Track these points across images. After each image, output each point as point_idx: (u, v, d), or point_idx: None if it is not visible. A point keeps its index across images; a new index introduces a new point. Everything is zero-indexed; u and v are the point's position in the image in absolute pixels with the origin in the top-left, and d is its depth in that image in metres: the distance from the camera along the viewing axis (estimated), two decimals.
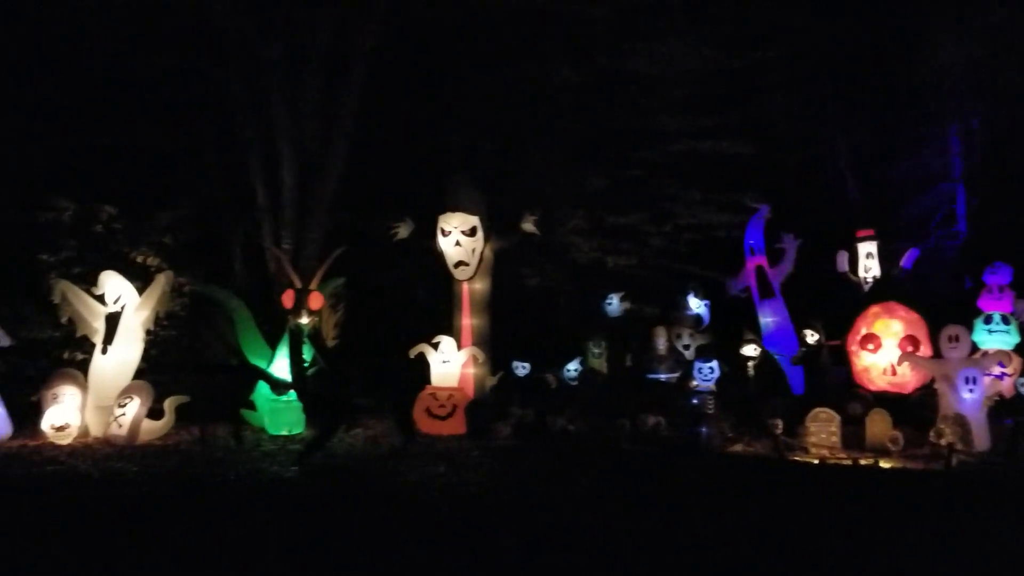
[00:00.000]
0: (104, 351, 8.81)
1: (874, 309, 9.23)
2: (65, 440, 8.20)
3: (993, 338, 8.82)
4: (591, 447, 7.96)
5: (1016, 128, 13.51)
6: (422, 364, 9.21)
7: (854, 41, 14.02)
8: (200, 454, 7.76)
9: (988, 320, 8.90)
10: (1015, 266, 9.22)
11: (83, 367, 9.09)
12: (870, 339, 9.03)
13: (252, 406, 8.95)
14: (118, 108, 11.20)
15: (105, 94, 11.14)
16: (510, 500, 6.10)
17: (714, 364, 8.62)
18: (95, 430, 8.59)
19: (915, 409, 8.37)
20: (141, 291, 9.05)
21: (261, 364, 8.95)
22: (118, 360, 8.80)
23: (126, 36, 10.39)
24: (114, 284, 8.94)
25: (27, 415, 8.85)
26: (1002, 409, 7.80)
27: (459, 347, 9.27)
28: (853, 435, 7.98)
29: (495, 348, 9.70)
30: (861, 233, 10.33)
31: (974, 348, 8.38)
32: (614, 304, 10.21)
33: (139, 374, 8.98)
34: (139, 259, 10.36)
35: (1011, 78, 12.87)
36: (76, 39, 10.36)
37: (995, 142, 14.52)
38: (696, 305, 10.46)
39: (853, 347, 9.23)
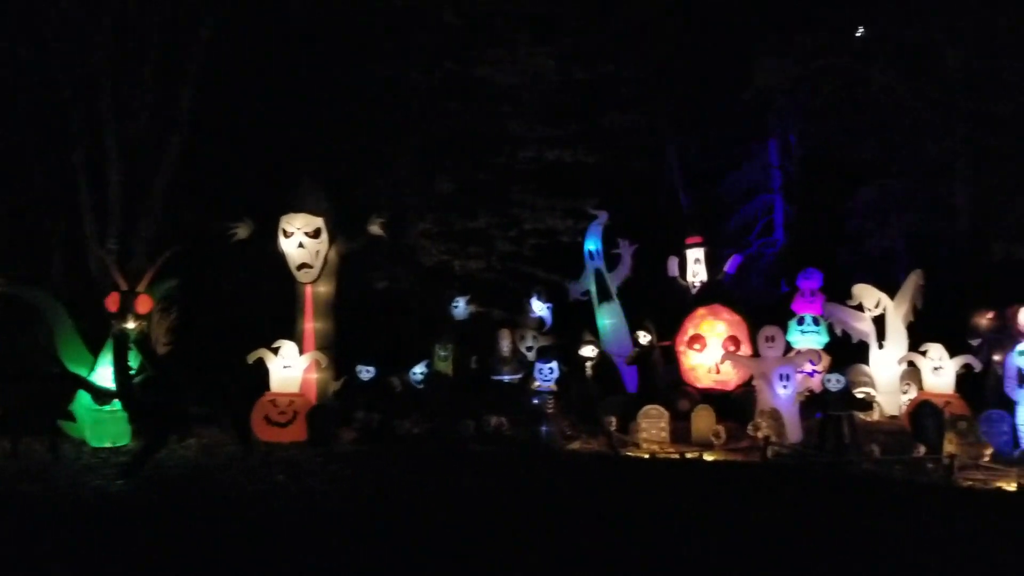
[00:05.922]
0: None
1: (700, 311, 9.88)
2: None
3: (805, 338, 9.60)
4: (436, 449, 8.02)
5: (828, 143, 14.80)
6: (261, 370, 8.91)
7: (685, 62, 14.96)
8: (11, 469, 7.17)
9: (801, 321, 9.69)
10: (825, 272, 10.08)
11: None
12: (697, 339, 9.66)
13: (72, 417, 8.36)
14: None
15: None
16: (354, 506, 6.04)
17: (554, 365, 8.90)
18: None
19: (737, 405, 9.04)
20: None
21: (82, 372, 8.37)
22: None
23: None
24: None
25: None
26: (812, 404, 8.42)
27: (301, 351, 9.04)
28: (681, 430, 8.51)
29: (340, 352, 9.53)
30: (690, 240, 10.96)
31: (788, 347, 9.09)
32: (461, 307, 10.33)
33: None
34: None
35: (825, 96, 14.07)
36: None
37: (810, 156, 15.90)
38: (540, 308, 10.75)
39: (681, 347, 9.82)
